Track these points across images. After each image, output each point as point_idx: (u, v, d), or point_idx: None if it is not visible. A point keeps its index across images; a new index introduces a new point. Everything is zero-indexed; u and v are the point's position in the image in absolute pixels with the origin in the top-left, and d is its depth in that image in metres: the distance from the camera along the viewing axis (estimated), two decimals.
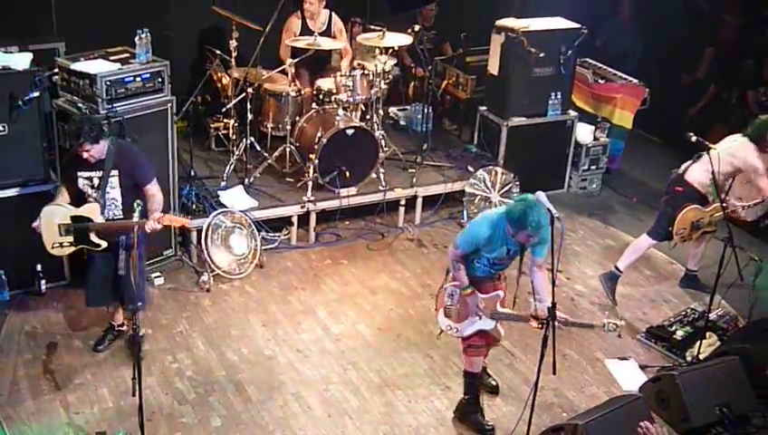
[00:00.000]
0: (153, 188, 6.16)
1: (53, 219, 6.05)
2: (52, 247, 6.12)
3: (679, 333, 7.04)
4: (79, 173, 6.06)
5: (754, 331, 6.84)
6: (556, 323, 5.38)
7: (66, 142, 6.21)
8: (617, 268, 7.47)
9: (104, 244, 6.09)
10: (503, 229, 5.56)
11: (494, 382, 6.49)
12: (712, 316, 6.96)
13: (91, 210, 6.04)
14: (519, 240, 5.52)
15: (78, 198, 6.12)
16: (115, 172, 6.06)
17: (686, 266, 7.90)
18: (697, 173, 7.15)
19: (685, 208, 7.10)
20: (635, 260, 7.51)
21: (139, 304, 6.11)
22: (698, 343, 6.73)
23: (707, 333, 6.83)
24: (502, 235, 5.59)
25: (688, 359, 6.80)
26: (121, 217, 6.13)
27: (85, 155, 5.93)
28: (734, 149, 7.02)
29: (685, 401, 5.81)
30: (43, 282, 7.09)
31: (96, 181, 6.05)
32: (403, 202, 8.62)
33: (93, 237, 6.06)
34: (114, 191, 6.10)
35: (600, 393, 6.49)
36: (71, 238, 6.08)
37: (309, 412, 6.15)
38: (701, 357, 6.66)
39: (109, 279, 6.24)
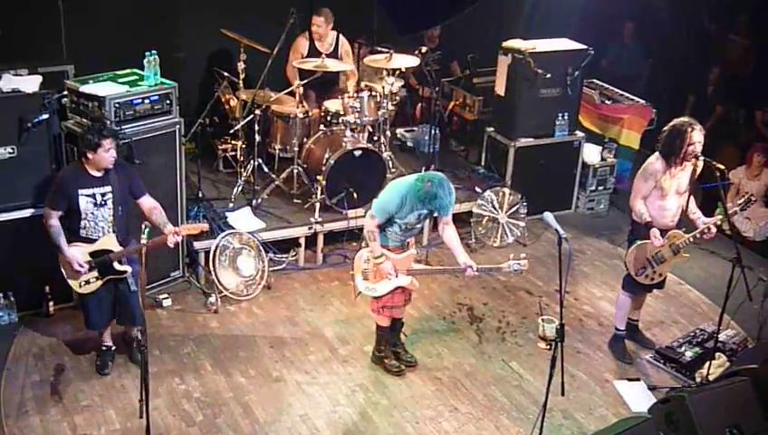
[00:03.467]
0: (151, 199, 6.35)
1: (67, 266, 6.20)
2: (80, 287, 6.23)
3: (688, 354, 7.02)
4: (80, 191, 6.04)
5: (764, 351, 6.79)
6: (472, 272, 6.29)
7: (76, 152, 6.27)
8: (616, 328, 7.22)
9: (129, 268, 6.23)
10: (412, 197, 6.14)
11: (411, 358, 6.90)
12: (721, 337, 6.93)
13: (107, 242, 6.16)
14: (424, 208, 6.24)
15: (72, 222, 6.13)
16: (119, 186, 6.15)
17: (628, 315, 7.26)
18: (639, 205, 6.72)
19: (630, 248, 6.80)
20: (626, 315, 7.17)
21: (138, 319, 6.36)
22: (708, 363, 6.69)
23: (717, 354, 6.80)
24: (413, 201, 6.16)
25: (698, 380, 6.76)
26: (125, 237, 6.26)
27: (110, 155, 6.00)
28: None
29: (694, 423, 5.76)
30: (51, 303, 7.10)
31: (99, 198, 6.08)
32: None
33: (117, 266, 6.20)
34: (119, 208, 6.18)
35: (609, 415, 6.45)
36: (95, 273, 6.18)
37: (316, 434, 6.12)
38: (710, 378, 6.62)
39: (107, 299, 6.34)
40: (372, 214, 6.36)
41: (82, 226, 6.12)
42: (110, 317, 6.49)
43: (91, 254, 6.15)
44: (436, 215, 6.45)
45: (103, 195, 6.10)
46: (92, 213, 6.09)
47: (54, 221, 6.08)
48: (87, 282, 6.21)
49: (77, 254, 6.10)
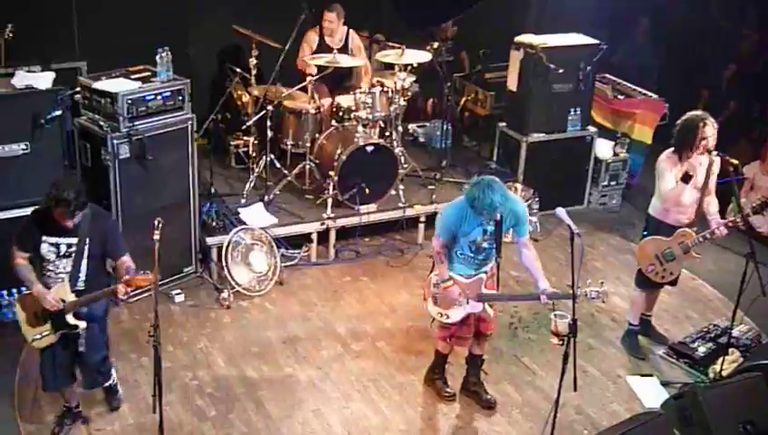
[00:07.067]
0: (127, 260, 5.66)
1: (29, 310, 5.65)
2: (33, 341, 5.66)
3: (701, 350, 6.99)
4: (44, 238, 5.53)
5: None
6: (545, 299, 5.90)
7: (46, 201, 5.47)
8: (629, 324, 7.21)
9: (83, 324, 5.59)
10: (471, 210, 5.78)
11: (490, 397, 6.46)
12: (734, 332, 6.90)
13: (60, 292, 5.54)
14: (485, 220, 5.79)
15: (35, 265, 5.61)
16: (87, 240, 5.56)
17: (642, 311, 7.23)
18: (654, 201, 6.79)
19: (641, 243, 6.82)
20: (639, 310, 7.16)
21: (101, 379, 5.94)
22: (721, 359, 6.66)
23: (730, 350, 6.77)
24: (472, 214, 5.79)
25: (711, 376, 6.74)
26: (83, 288, 5.60)
27: (69, 224, 5.44)
28: None
29: (708, 419, 5.74)
30: None
31: (63, 248, 5.55)
32: (423, 219, 8.61)
33: (70, 319, 5.55)
34: (82, 262, 5.59)
35: (622, 411, 6.44)
36: (48, 326, 5.59)
37: (329, 430, 6.14)
38: (724, 374, 6.59)
39: (66, 359, 5.73)
40: (437, 234, 6.05)
41: (44, 272, 5.60)
42: (70, 380, 5.84)
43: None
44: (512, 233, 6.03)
45: (69, 246, 5.54)
46: (53, 262, 5.57)
47: (21, 260, 5.58)
48: (40, 336, 5.61)
49: (50, 291, 5.54)
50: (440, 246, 6.00)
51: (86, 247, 5.56)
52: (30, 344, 5.74)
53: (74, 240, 5.54)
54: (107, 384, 6.06)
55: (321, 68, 8.46)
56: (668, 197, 6.60)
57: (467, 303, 6.04)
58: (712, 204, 6.66)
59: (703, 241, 6.57)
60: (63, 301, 5.53)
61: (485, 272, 6.06)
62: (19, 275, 5.61)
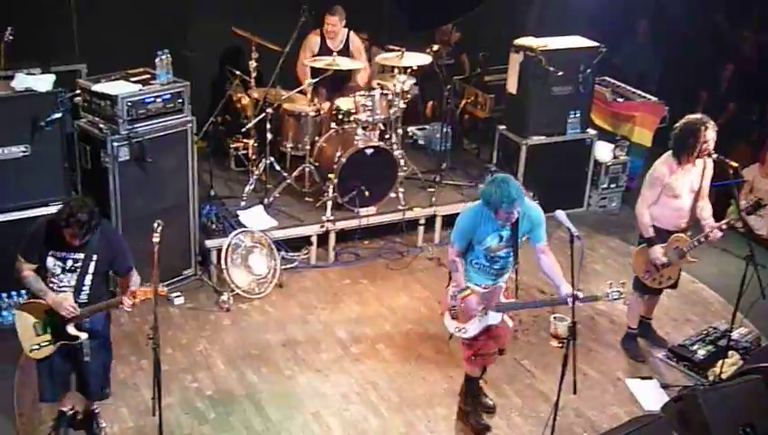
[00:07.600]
0: (133, 273, 5.62)
1: (28, 320, 5.52)
2: (31, 351, 5.55)
3: (701, 353, 6.98)
4: (51, 252, 5.43)
5: None
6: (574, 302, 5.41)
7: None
8: (629, 327, 7.19)
9: (84, 335, 5.51)
10: (487, 213, 5.61)
11: (490, 402, 6.43)
12: (734, 335, 6.89)
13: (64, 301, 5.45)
14: (501, 220, 5.56)
15: (38, 274, 5.52)
16: (95, 257, 5.47)
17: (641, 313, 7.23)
18: (646, 217, 6.71)
19: (635, 251, 6.86)
20: (637, 314, 7.14)
21: (107, 390, 5.86)
22: (720, 362, 6.66)
23: (729, 353, 6.77)
24: (487, 219, 5.62)
25: (710, 378, 6.74)
26: (86, 301, 5.50)
27: (77, 242, 5.35)
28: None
29: (707, 422, 5.73)
30: None
31: (69, 263, 5.45)
32: (422, 221, 8.62)
33: (71, 329, 5.46)
34: (87, 277, 5.49)
35: (621, 413, 6.43)
36: (48, 336, 5.50)
37: (328, 432, 6.14)
38: (723, 377, 6.59)
39: (64, 370, 5.66)
40: (451, 241, 5.86)
41: (46, 284, 5.49)
42: (66, 390, 5.79)
43: (46, 312, 5.47)
44: (527, 238, 5.81)
45: (75, 261, 5.45)
46: (58, 276, 5.46)
47: (28, 272, 5.47)
48: (39, 346, 5.52)
49: (61, 297, 5.43)
50: (455, 253, 5.82)
51: (92, 263, 5.48)
52: (27, 354, 5.63)
53: (81, 256, 5.45)
54: (93, 407, 5.97)
55: (320, 70, 8.46)
56: (637, 210, 6.68)
57: (486, 314, 5.81)
58: (705, 209, 6.65)
59: (698, 245, 6.58)
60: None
61: (504, 282, 5.90)
62: (29, 287, 5.55)
